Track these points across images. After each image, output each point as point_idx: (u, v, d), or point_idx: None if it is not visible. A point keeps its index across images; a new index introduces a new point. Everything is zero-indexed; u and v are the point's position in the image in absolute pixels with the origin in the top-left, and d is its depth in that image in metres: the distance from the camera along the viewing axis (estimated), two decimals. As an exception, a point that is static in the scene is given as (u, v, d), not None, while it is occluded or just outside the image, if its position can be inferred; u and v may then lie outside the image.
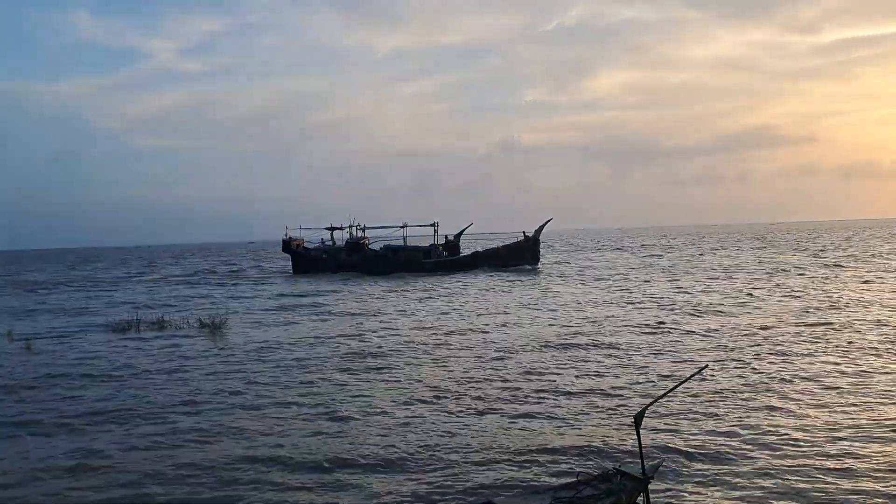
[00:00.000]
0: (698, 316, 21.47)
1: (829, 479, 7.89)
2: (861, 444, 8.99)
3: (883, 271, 35.41)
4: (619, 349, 16.21)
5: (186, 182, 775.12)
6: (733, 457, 8.70)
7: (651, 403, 6.55)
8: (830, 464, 8.35)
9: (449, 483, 8.13)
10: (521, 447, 9.30)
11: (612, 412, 10.91)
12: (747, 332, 17.94)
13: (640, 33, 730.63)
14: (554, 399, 11.84)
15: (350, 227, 54.93)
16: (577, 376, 13.56)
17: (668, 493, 7.57)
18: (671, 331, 18.77)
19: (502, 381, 13.36)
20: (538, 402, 11.67)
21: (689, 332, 18.35)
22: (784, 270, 38.38)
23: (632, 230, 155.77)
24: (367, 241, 53.30)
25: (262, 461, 9.07)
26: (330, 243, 56.16)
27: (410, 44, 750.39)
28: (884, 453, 8.65)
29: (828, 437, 9.35)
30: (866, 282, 30.28)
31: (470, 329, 20.46)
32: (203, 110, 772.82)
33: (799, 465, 8.33)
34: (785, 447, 8.99)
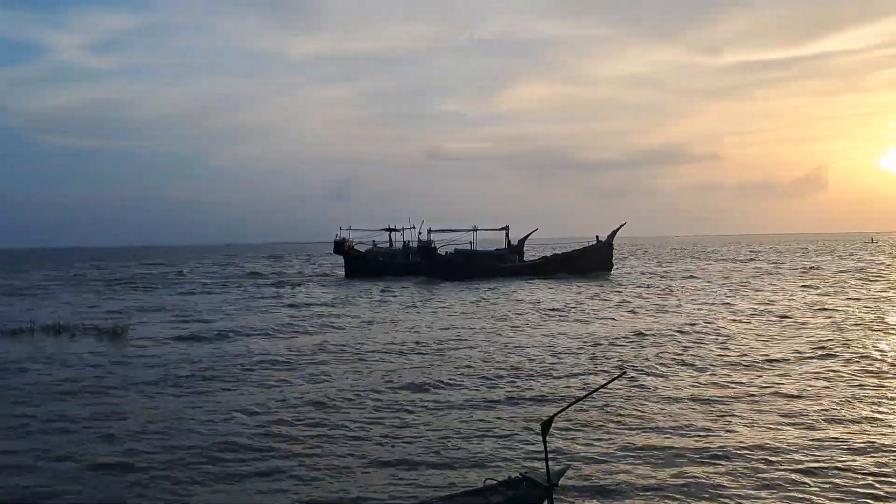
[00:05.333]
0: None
1: (732, 493, 7.75)
2: (774, 456, 8.85)
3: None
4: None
5: (95, 183, 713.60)
6: (638, 468, 8.51)
7: (560, 411, 6.80)
8: (738, 475, 8.21)
9: (349, 490, 8.01)
10: (430, 451, 9.31)
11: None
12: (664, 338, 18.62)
13: (554, 49, 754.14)
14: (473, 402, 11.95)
15: (408, 228, 52.77)
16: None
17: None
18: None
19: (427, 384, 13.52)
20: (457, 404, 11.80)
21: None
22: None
23: (551, 241, 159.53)
24: (435, 245, 51.32)
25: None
26: (385, 245, 53.73)
27: (327, 49, 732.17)
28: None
29: (741, 448, 9.14)
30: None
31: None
32: (113, 110, 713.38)
33: (710, 479, 8.15)
34: (697, 460, 8.77)
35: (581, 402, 8.25)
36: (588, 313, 25.34)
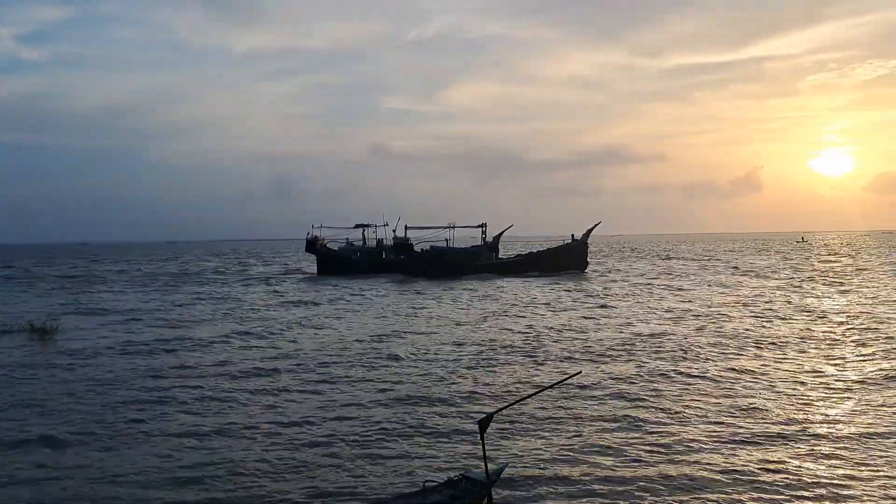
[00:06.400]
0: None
1: (671, 491, 7.75)
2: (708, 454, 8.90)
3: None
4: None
5: (28, 179, 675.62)
6: (578, 466, 8.47)
7: (499, 410, 6.96)
8: (675, 471, 8.27)
9: (290, 492, 7.92)
10: (371, 453, 9.22)
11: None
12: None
13: (500, 49, 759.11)
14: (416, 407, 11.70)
15: (381, 226, 52.13)
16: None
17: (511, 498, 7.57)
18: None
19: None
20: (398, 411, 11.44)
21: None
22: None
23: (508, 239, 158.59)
24: (411, 242, 50.77)
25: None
26: (359, 243, 52.92)
27: (270, 45, 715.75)
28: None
29: (681, 446, 9.19)
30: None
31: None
32: (46, 103, 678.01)
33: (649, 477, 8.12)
34: (638, 458, 8.75)
35: (522, 402, 8.26)
36: (548, 312, 25.39)
